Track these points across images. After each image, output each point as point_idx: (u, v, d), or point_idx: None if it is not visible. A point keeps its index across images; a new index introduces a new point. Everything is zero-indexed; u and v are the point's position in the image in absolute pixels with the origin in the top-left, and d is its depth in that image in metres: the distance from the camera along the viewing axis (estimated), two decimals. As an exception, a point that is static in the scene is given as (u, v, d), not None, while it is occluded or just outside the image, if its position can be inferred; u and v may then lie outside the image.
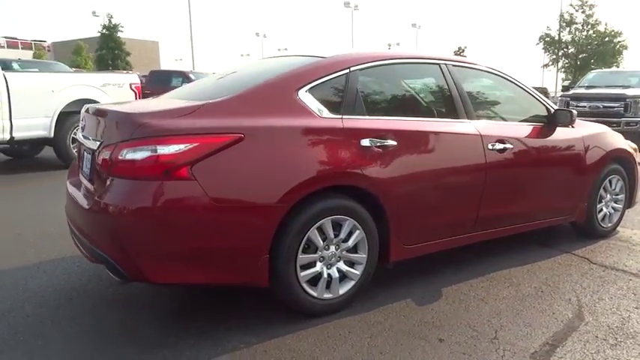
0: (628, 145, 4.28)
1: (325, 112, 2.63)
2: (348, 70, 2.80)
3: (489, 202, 3.24)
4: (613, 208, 4.20)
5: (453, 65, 3.29)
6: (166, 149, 2.19)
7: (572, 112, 3.65)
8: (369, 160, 2.66)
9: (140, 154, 2.20)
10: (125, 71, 19.79)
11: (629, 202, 4.33)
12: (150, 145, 2.20)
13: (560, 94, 13.85)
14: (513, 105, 3.75)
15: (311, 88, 2.64)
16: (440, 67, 3.22)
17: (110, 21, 38.91)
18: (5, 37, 57.79)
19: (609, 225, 4.17)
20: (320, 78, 2.70)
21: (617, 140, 4.18)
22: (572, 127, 3.81)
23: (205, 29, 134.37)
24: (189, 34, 28.77)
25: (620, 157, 4.13)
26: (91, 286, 3.02)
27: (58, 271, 3.25)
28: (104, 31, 38.75)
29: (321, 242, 2.57)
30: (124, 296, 2.90)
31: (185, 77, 15.46)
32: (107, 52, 38.76)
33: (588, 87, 11.35)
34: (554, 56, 41.04)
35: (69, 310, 2.70)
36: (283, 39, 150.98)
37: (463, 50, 49.92)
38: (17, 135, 6.86)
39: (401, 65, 3.14)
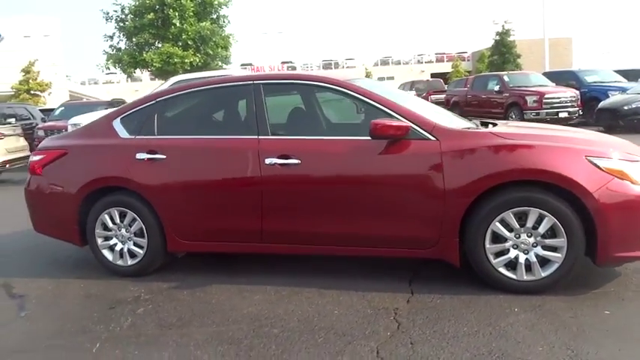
0: (592, 167, 2.83)
1: (124, 134, 3.72)
2: (155, 101, 3.73)
3: (275, 216, 3.32)
4: (540, 255, 2.93)
5: (267, 84, 3.48)
6: (35, 157, 3.98)
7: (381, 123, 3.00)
8: (139, 169, 3.57)
9: (31, 159, 4.08)
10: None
11: (596, 254, 2.86)
12: (33, 155, 4.04)
13: None
14: (343, 118, 3.37)
15: (123, 117, 3.79)
16: (249, 87, 3.50)
17: (503, 27, 40.50)
18: (436, 54, 68.53)
19: (528, 278, 2.96)
20: (132, 109, 3.80)
21: (546, 158, 2.88)
22: (437, 139, 3.06)
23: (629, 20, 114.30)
24: (543, 29, 26.69)
25: (547, 182, 2.87)
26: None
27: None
28: (497, 37, 40.71)
29: (111, 224, 3.70)
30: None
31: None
32: (499, 57, 40.62)
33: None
34: None
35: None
36: None
37: None
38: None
39: (205, 91, 3.69)
